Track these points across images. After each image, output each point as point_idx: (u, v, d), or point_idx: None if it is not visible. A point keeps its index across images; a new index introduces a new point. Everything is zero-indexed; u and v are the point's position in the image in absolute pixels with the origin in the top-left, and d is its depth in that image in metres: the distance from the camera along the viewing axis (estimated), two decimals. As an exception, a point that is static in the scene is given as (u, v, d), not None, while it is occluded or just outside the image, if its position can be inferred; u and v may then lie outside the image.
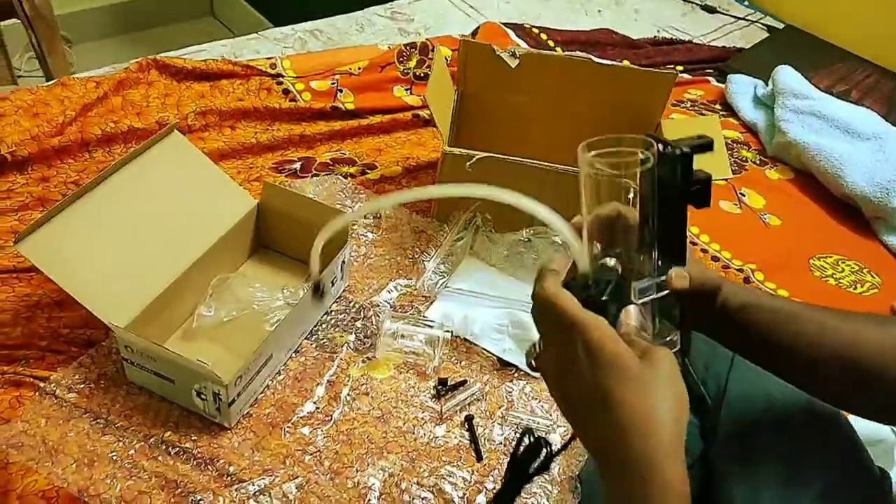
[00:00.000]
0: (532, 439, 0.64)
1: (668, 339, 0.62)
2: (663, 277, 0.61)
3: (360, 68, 1.51)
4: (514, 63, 1.20)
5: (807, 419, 0.83)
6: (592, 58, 1.22)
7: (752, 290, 0.71)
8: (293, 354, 1.01)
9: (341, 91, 1.47)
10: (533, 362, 0.58)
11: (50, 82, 1.35)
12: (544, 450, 0.64)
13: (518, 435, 0.64)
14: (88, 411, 0.89)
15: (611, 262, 0.60)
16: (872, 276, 1.26)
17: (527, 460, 0.64)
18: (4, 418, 0.88)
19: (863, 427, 0.97)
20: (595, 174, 0.60)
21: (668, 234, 0.62)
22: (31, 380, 0.91)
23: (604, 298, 0.55)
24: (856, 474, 0.81)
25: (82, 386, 0.92)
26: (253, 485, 0.85)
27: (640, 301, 0.58)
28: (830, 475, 0.79)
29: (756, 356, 0.73)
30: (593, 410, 0.52)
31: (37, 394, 0.90)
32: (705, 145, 0.60)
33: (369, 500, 0.87)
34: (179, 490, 0.83)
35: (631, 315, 0.57)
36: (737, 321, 0.68)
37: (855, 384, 0.68)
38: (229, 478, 0.85)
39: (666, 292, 0.61)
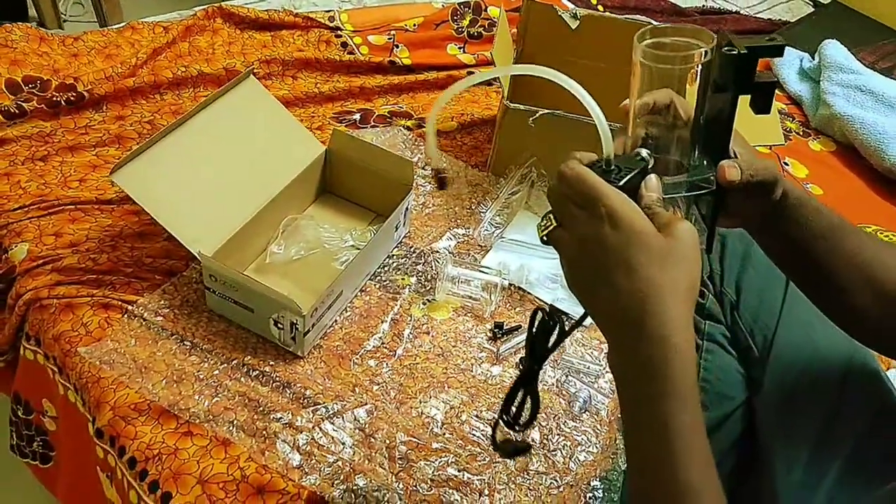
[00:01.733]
0: (545, 316, 0.64)
1: None
2: (698, 177, 0.61)
3: (415, 25, 1.55)
4: (574, 24, 1.24)
5: (848, 374, 0.87)
6: (653, 22, 1.25)
7: (806, 191, 0.71)
8: (359, 294, 1.07)
9: (397, 46, 1.50)
10: (546, 237, 0.58)
11: (119, 25, 1.40)
12: (558, 324, 0.64)
13: (536, 318, 0.63)
14: (174, 333, 0.96)
15: (644, 152, 0.59)
16: (910, 247, 1.30)
17: (542, 336, 0.64)
18: (95, 337, 0.94)
19: (897, 385, 1.02)
20: (647, 63, 0.59)
21: (712, 134, 0.62)
22: (119, 303, 0.97)
23: (621, 184, 0.55)
24: (889, 430, 0.85)
25: (167, 311, 0.98)
26: (327, 408, 0.91)
27: (667, 196, 0.59)
28: (864, 429, 0.84)
29: (793, 260, 0.73)
30: (612, 277, 0.53)
31: (125, 316, 0.96)
32: (773, 48, 0.59)
33: (432, 429, 0.93)
34: (261, 408, 0.89)
35: (652, 186, 0.57)
36: (790, 218, 0.68)
37: (879, 306, 0.69)
38: (305, 400, 0.91)
39: (697, 192, 0.62)
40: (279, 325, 0.94)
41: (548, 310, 0.64)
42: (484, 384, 0.99)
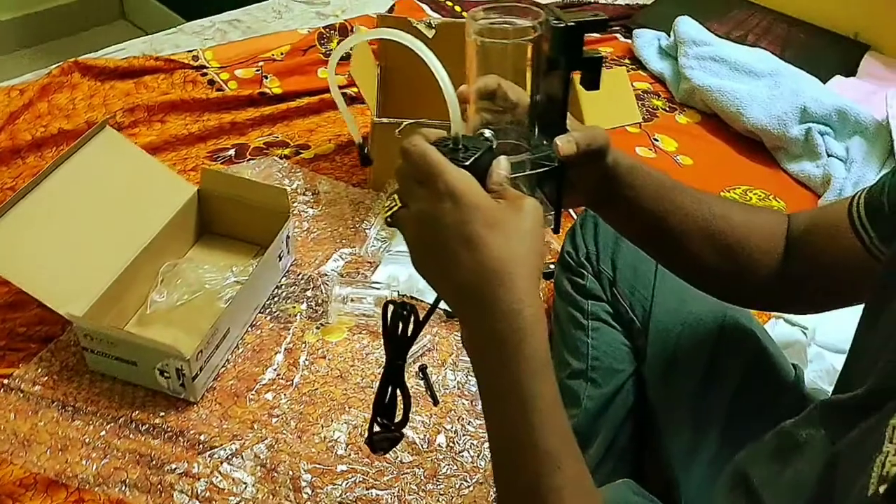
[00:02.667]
0: (396, 308, 0.62)
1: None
2: (541, 154, 0.62)
3: (282, 54, 1.55)
4: (430, 33, 1.26)
5: (720, 335, 0.90)
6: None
7: (638, 159, 0.73)
8: (249, 329, 1.05)
9: (266, 77, 1.50)
10: (390, 219, 0.57)
11: (-30, 94, 1.35)
12: (411, 313, 0.62)
13: (389, 310, 0.61)
14: (55, 401, 0.92)
15: (487, 133, 0.60)
16: (777, 201, 1.37)
17: (398, 329, 0.62)
18: (-28, 418, 0.90)
19: (778, 333, 1.08)
20: (481, 43, 0.59)
21: (549, 113, 0.63)
22: (-6, 379, 0.93)
23: (467, 164, 0.54)
24: (767, 376, 0.88)
25: (46, 378, 0.95)
26: (224, 450, 0.90)
27: (512, 176, 0.59)
28: (736, 387, 0.87)
29: (636, 226, 0.75)
30: (457, 254, 0.52)
31: (1, 391, 0.93)
32: (597, 22, 0.60)
33: (336, 451, 0.92)
34: (153, 462, 0.87)
35: (502, 166, 0.57)
36: (625, 182, 0.69)
37: (722, 259, 0.72)
38: (201, 446, 0.90)
39: (541, 170, 0.62)
40: (165, 374, 0.92)
41: (398, 301, 0.62)
42: (385, 398, 0.99)
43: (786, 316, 1.10)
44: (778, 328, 1.09)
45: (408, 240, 0.56)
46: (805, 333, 1.08)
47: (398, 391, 0.67)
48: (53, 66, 1.41)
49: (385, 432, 0.69)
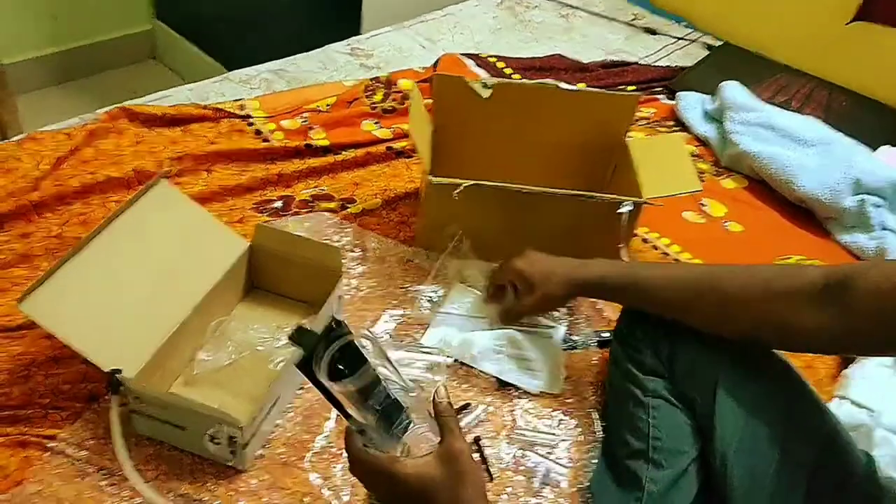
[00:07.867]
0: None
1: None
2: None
3: (328, 105, 1.54)
4: (486, 94, 1.25)
5: (791, 413, 0.87)
6: (560, 84, 1.27)
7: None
8: (297, 392, 1.02)
9: (312, 128, 1.49)
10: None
11: (18, 136, 1.33)
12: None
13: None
14: (101, 468, 0.89)
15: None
16: (832, 273, 1.34)
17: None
18: (15, 480, 0.86)
19: (843, 414, 1.04)
20: None
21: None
22: (38, 439, 0.90)
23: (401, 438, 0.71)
24: (841, 465, 0.85)
25: (91, 442, 0.91)
26: (276, 524, 0.86)
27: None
28: (816, 466, 0.84)
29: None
30: None
31: (46, 454, 0.89)
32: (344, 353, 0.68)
33: (390, 528, 0.88)
34: (204, 536, 0.83)
35: (441, 394, 0.73)
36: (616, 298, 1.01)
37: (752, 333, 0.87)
38: (252, 519, 0.86)
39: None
40: (216, 440, 0.88)
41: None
42: (439, 472, 0.95)
43: (852, 397, 1.06)
44: (843, 409, 1.05)
45: None
46: (872, 416, 1.04)
47: None
48: (101, 111, 1.40)
49: None
